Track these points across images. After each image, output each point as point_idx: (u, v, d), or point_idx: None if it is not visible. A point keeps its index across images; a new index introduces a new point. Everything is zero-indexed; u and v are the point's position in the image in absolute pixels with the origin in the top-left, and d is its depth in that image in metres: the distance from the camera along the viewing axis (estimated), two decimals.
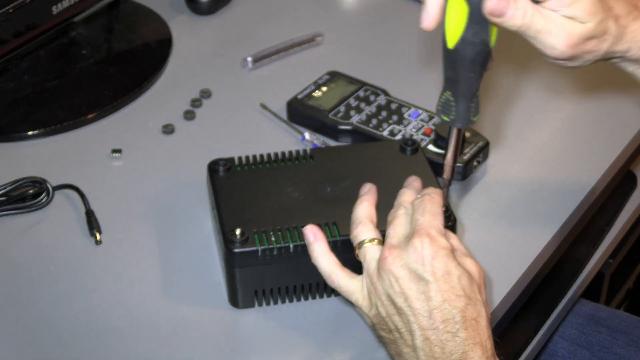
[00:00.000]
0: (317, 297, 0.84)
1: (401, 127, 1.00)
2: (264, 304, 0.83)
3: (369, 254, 0.75)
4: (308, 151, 0.90)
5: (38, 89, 1.11)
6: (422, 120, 1.01)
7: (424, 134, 0.99)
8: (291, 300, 0.84)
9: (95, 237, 0.90)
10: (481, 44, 0.72)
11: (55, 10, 1.07)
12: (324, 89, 1.07)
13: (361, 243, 0.76)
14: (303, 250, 0.79)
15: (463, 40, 0.72)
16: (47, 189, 0.94)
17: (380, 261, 0.73)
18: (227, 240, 0.80)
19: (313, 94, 1.06)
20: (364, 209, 0.78)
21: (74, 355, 0.80)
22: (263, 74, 1.15)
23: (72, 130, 1.05)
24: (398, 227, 0.76)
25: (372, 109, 1.03)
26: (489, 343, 0.72)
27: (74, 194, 0.96)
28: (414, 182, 0.82)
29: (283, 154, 0.89)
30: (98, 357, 0.80)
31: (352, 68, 1.11)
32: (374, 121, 1.01)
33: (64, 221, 0.93)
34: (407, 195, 0.79)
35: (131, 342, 0.81)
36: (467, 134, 0.98)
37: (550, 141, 1.04)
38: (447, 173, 0.79)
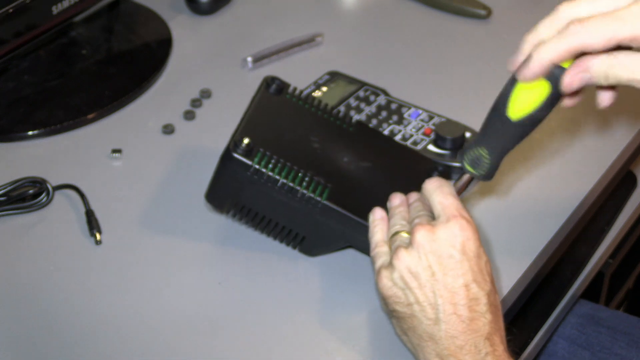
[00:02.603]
0: (279, 240, 0.87)
1: (401, 127, 1.00)
2: (231, 215, 0.87)
3: (399, 239, 0.78)
4: (354, 120, 0.92)
5: (38, 89, 1.11)
6: (422, 120, 1.01)
7: (424, 134, 0.99)
8: (255, 228, 0.87)
9: (95, 237, 0.90)
10: (542, 119, 0.75)
11: (55, 10, 1.07)
12: (324, 89, 1.07)
13: (397, 232, 0.79)
14: (289, 191, 0.82)
15: (531, 117, 0.75)
16: (47, 189, 0.94)
17: (412, 236, 0.75)
18: (233, 142, 0.82)
19: (313, 94, 1.06)
20: (405, 212, 0.81)
21: (74, 355, 0.80)
22: (263, 74, 1.15)
23: (72, 130, 1.05)
24: (424, 217, 0.78)
25: (372, 109, 1.03)
26: (504, 334, 0.75)
27: (74, 194, 0.96)
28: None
29: (332, 108, 0.92)
30: (98, 357, 0.80)
31: (352, 68, 1.11)
32: (374, 121, 1.01)
33: (64, 221, 0.93)
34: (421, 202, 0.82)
35: (131, 341, 0.81)
36: (468, 134, 0.98)
37: (550, 141, 1.04)
38: None
